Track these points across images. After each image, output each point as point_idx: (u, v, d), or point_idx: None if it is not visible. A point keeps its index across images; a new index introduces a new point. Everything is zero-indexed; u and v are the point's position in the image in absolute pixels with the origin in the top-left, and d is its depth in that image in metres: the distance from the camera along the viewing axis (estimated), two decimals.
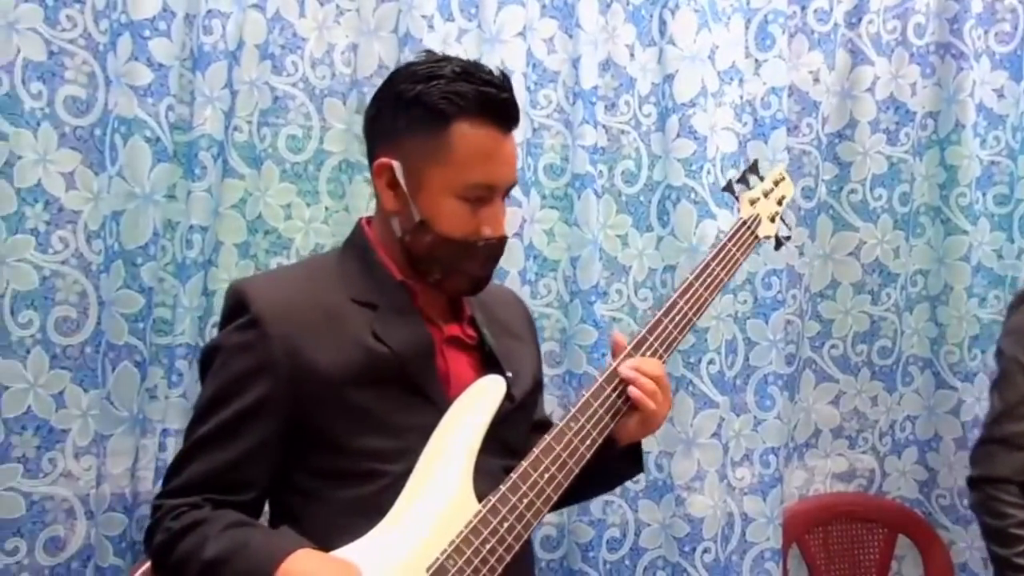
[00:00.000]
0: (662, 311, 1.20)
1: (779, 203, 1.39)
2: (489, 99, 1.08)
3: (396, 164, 1.09)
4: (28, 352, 1.48)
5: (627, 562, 1.82)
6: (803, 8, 1.90)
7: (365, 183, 1.66)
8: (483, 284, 1.15)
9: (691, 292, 1.23)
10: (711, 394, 1.81)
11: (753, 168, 1.40)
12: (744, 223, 1.33)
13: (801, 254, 1.95)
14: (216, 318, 1.58)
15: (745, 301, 1.87)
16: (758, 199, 1.37)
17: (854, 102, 1.97)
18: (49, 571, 1.51)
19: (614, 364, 1.15)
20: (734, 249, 1.29)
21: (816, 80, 1.92)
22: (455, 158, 1.07)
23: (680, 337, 1.21)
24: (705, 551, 1.81)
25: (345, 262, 1.15)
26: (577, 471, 1.10)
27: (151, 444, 1.55)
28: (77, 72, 1.51)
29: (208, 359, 1.08)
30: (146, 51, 1.50)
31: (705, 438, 1.81)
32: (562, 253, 1.78)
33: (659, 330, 1.19)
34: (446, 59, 1.12)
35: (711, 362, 1.81)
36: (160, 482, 1.51)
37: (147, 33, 1.50)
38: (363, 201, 1.66)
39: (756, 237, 1.34)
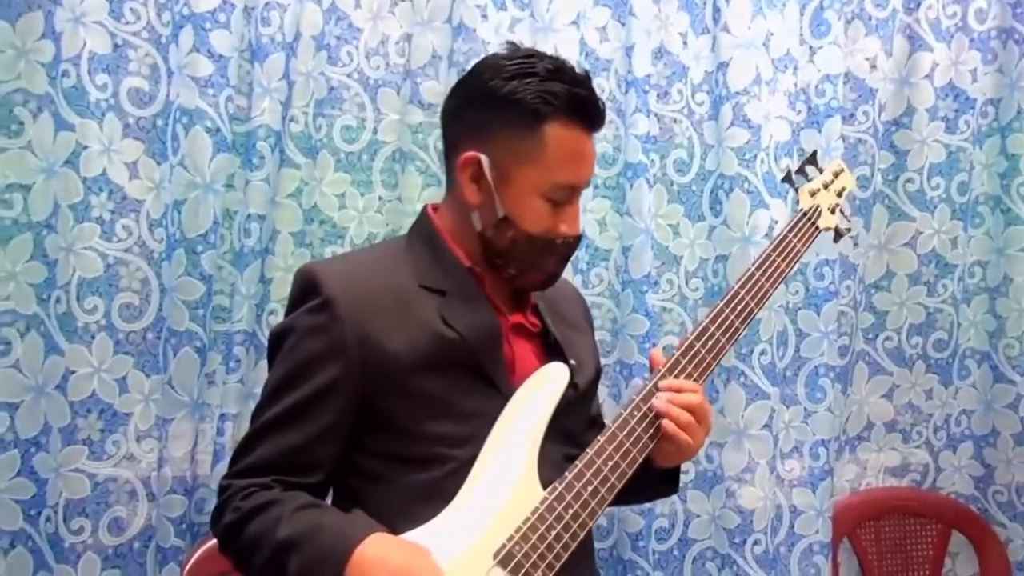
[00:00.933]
0: (723, 302, 1.20)
1: (839, 195, 1.38)
2: (580, 100, 1.09)
3: (484, 159, 1.09)
4: (93, 337, 1.52)
5: (675, 552, 1.81)
6: None
7: (417, 172, 1.68)
8: (554, 281, 1.17)
9: (752, 283, 1.22)
10: (762, 385, 1.80)
11: (812, 159, 1.39)
12: (805, 214, 1.32)
13: (855, 244, 1.92)
14: (272, 305, 1.62)
15: (796, 292, 1.85)
16: (818, 190, 1.35)
17: (912, 89, 1.93)
18: (112, 551, 1.55)
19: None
20: (795, 240, 1.29)
21: (873, 67, 1.89)
22: (546, 158, 1.08)
23: (741, 327, 1.20)
24: (755, 543, 1.80)
25: (412, 249, 1.15)
26: (640, 459, 1.10)
27: (209, 428, 1.58)
28: (140, 64, 1.54)
29: (278, 341, 1.09)
30: (207, 43, 1.52)
31: (756, 429, 1.80)
32: (614, 243, 1.78)
33: (720, 319, 1.18)
34: (535, 55, 1.12)
35: (763, 353, 1.80)
36: (217, 465, 1.56)
37: (208, 25, 1.52)
38: (415, 191, 1.67)
39: (817, 229, 1.33)
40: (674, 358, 1.14)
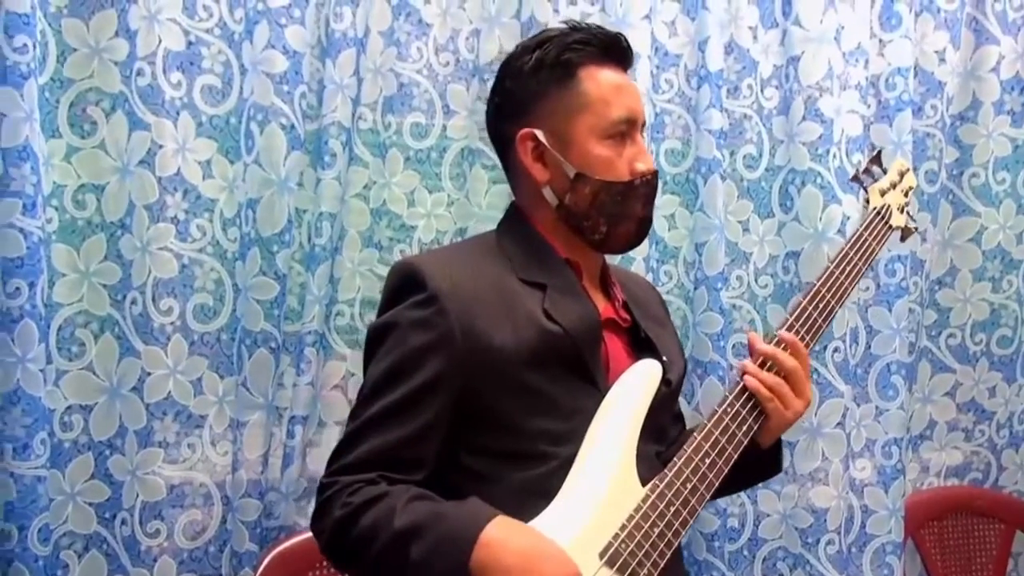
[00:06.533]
0: (807, 299, 1.19)
1: (905, 194, 1.39)
2: (605, 40, 1.12)
3: (538, 132, 1.11)
4: (168, 339, 1.50)
5: (745, 552, 1.79)
6: None
7: (484, 169, 1.66)
8: (647, 226, 1.16)
9: (832, 280, 1.22)
10: (835, 383, 1.78)
11: (877, 159, 1.39)
12: (878, 213, 1.33)
13: (923, 240, 1.90)
14: (340, 306, 1.60)
15: (867, 288, 1.83)
16: (887, 190, 1.36)
17: (978, 83, 1.91)
18: (188, 554, 1.53)
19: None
20: (870, 239, 1.29)
21: (942, 60, 1.87)
22: (591, 99, 1.09)
23: (824, 325, 1.19)
24: (829, 543, 1.77)
25: (506, 243, 1.14)
26: (736, 456, 1.08)
27: (278, 431, 1.56)
28: (213, 61, 1.52)
29: (380, 336, 1.06)
30: (282, 39, 1.50)
31: (829, 428, 1.77)
32: (683, 239, 1.76)
33: (804, 316, 1.17)
34: (549, 29, 1.17)
35: (836, 350, 1.77)
36: (287, 469, 1.54)
37: (283, 20, 1.50)
38: (483, 186, 1.65)
39: (890, 227, 1.33)
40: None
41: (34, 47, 1.37)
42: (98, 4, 1.44)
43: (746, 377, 1.10)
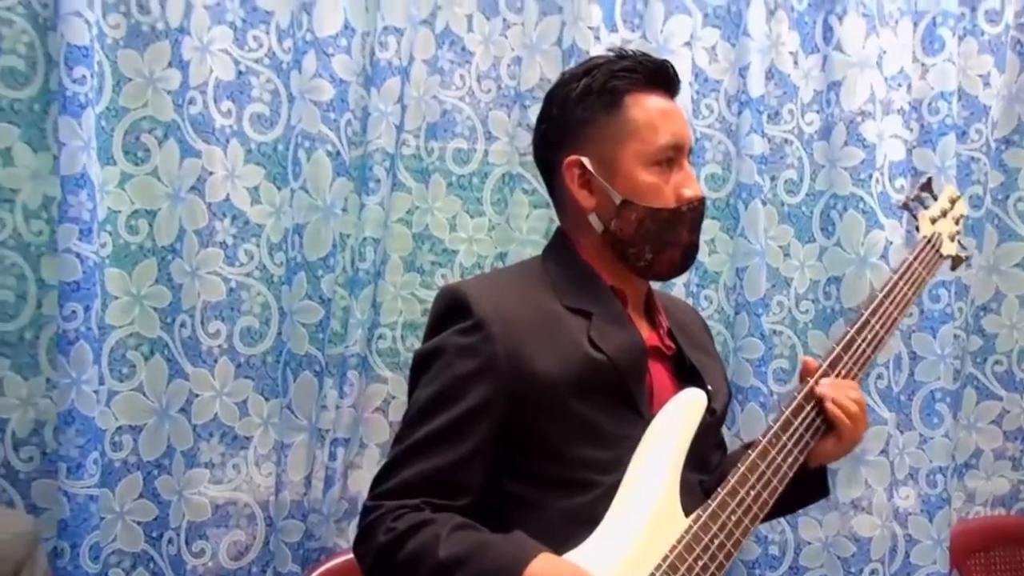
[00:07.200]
0: (854, 329, 1.18)
1: (956, 223, 1.38)
2: (651, 67, 1.13)
3: (584, 159, 1.11)
4: (216, 361, 1.53)
5: None
6: (973, 9, 1.83)
7: (524, 194, 1.67)
8: (694, 252, 1.16)
9: (881, 310, 1.21)
10: (879, 409, 1.75)
11: (927, 186, 1.39)
12: (928, 241, 1.32)
13: (969, 266, 1.87)
14: (382, 330, 1.62)
15: (911, 314, 1.81)
16: (938, 217, 1.35)
17: (1023, 106, 1.89)
18: (231, 574, 1.55)
19: (811, 382, 1.13)
20: (920, 268, 1.28)
21: (986, 84, 1.85)
22: (637, 126, 1.10)
23: (873, 355, 1.18)
24: (872, 573, 1.75)
25: (551, 269, 1.14)
26: (781, 489, 1.08)
27: (321, 453, 1.57)
28: (262, 90, 1.56)
29: (426, 361, 1.07)
30: (329, 68, 1.53)
31: (873, 455, 1.75)
32: (723, 264, 1.76)
33: (853, 348, 1.17)
34: (595, 56, 1.18)
35: (879, 377, 1.76)
36: (329, 491, 1.55)
37: (330, 50, 1.54)
38: (524, 210, 1.67)
39: (940, 256, 1.32)
40: (807, 388, 1.13)
41: (92, 78, 1.41)
42: (153, 36, 1.48)
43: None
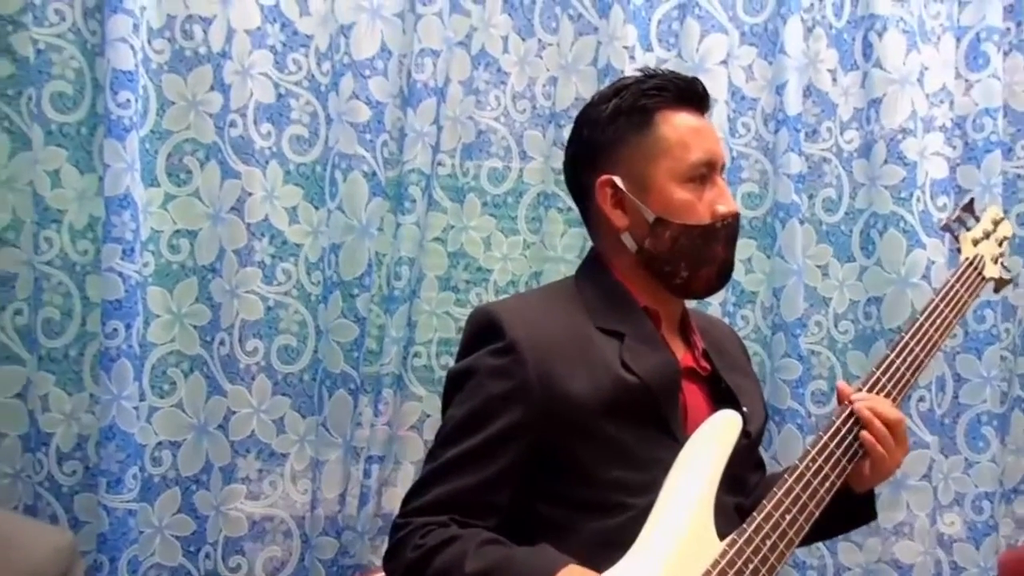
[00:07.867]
0: (894, 352, 1.15)
1: (1000, 244, 1.35)
2: (681, 84, 1.13)
3: (616, 178, 1.11)
4: (253, 379, 1.55)
5: None
6: (1019, 24, 1.79)
7: (559, 213, 1.67)
8: (729, 269, 1.15)
9: (921, 332, 1.18)
10: (921, 433, 1.71)
11: (968, 207, 1.36)
12: (970, 263, 1.29)
13: (1016, 286, 1.82)
14: (417, 348, 1.63)
15: (955, 335, 1.77)
16: (981, 239, 1.32)
17: None
18: None
19: (851, 405, 1.10)
20: (962, 290, 1.25)
21: None
22: (669, 144, 1.10)
23: (912, 379, 1.16)
24: None
25: (584, 290, 1.14)
26: (817, 514, 1.06)
27: (356, 471, 1.58)
28: (301, 112, 1.59)
29: (458, 382, 1.08)
30: (366, 90, 1.56)
31: (915, 479, 1.71)
32: (760, 284, 1.74)
33: (891, 370, 1.14)
34: (622, 78, 1.18)
35: (921, 399, 1.72)
36: (364, 508, 1.56)
37: (367, 72, 1.56)
38: (558, 229, 1.67)
39: (983, 279, 1.29)
40: (847, 411, 1.10)
41: (136, 102, 1.45)
42: (196, 60, 1.52)
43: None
